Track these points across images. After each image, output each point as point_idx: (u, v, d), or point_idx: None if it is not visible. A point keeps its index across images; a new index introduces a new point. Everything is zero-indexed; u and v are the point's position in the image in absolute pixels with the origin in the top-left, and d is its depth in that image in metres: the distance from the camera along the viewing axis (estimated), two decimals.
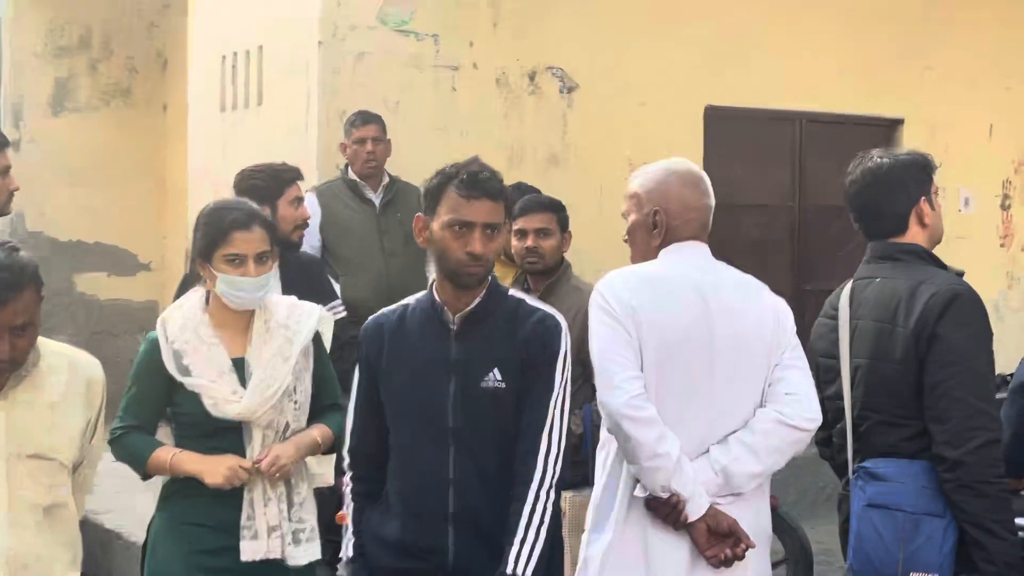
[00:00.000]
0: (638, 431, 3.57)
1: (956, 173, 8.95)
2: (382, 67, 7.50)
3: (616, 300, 3.68)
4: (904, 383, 3.82)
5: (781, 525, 6.67)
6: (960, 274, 3.99)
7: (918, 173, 4.06)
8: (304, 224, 5.54)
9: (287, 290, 5.51)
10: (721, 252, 8.17)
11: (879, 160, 4.15)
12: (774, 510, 6.62)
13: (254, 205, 4.30)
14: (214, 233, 4.09)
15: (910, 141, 8.82)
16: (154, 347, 4.16)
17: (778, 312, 3.75)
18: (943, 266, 4.00)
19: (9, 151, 5.10)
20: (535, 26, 7.90)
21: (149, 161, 12.37)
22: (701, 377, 3.65)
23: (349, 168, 7.11)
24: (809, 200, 8.75)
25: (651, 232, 3.83)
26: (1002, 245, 9.31)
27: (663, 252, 3.79)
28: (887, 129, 8.93)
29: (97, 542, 7.90)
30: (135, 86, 12.39)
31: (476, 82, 7.74)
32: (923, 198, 4.05)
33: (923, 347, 3.77)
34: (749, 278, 3.84)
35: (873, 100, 8.77)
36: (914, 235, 4.05)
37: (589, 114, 8.02)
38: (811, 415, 3.68)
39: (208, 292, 4.19)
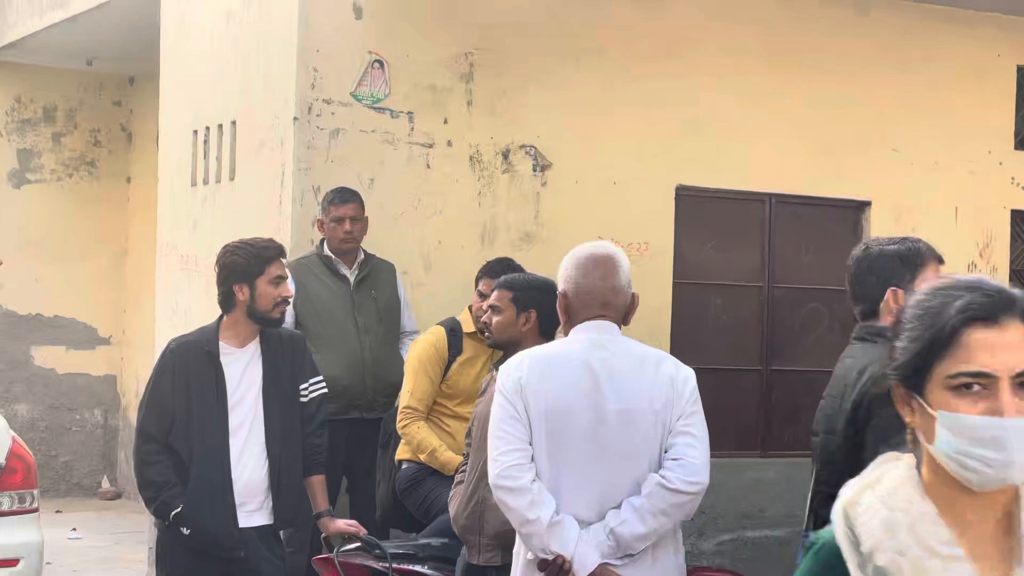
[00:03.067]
0: (510, 499, 4.00)
1: None
2: (357, 144, 7.50)
3: (506, 377, 4.09)
4: (844, 457, 3.85)
5: None
6: None
7: (891, 262, 4.11)
8: (285, 301, 5.49)
9: (269, 366, 5.48)
10: (689, 330, 8.28)
11: (866, 247, 4.25)
12: None
13: None
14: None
15: (877, 223, 8.89)
16: None
17: (674, 382, 4.05)
18: None
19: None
20: (509, 105, 7.93)
21: (111, 234, 12.32)
22: (592, 447, 3.99)
23: (324, 244, 7.08)
24: (778, 280, 8.79)
25: (560, 313, 4.21)
26: None
27: (571, 331, 4.15)
28: (855, 211, 9.00)
29: None
30: (99, 159, 12.37)
31: (450, 159, 7.76)
32: (897, 286, 4.08)
33: (861, 422, 3.83)
34: (650, 352, 4.14)
35: (841, 182, 8.85)
36: (887, 320, 4.07)
37: (562, 192, 8.04)
38: (692, 479, 4.00)
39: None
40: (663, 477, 3.99)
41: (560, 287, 4.22)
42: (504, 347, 5.47)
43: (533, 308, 5.36)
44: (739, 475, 8.55)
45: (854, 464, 3.74)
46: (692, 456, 4.02)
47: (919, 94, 9.07)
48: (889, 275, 4.13)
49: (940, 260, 4.23)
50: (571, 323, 4.18)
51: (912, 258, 4.21)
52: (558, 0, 8.09)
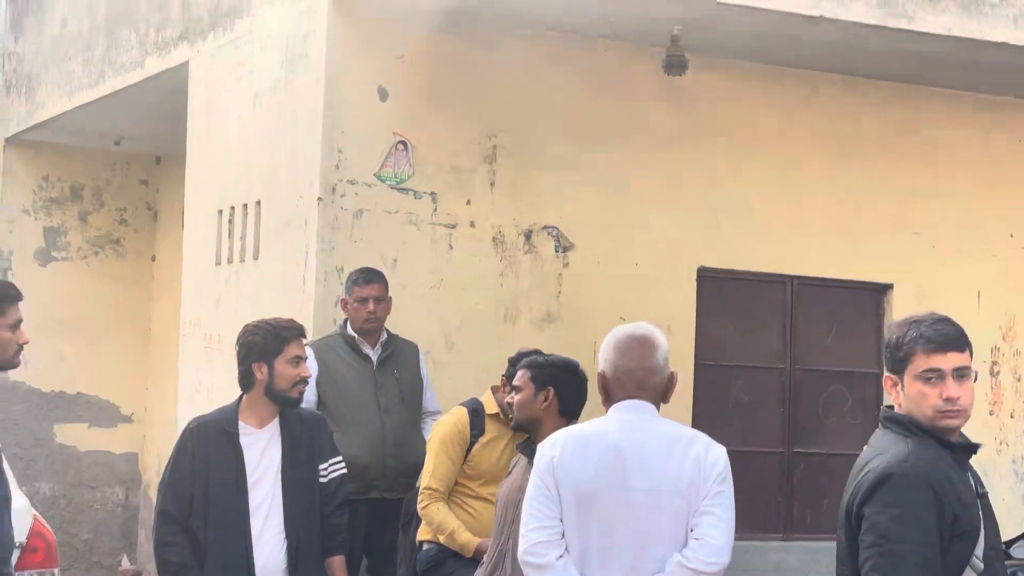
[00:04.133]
0: (534, 575, 4.11)
1: None
2: (380, 224, 7.55)
3: (540, 456, 4.20)
4: (846, 556, 3.80)
5: None
6: (971, 447, 3.89)
7: (887, 350, 4.03)
8: (304, 381, 5.50)
9: (288, 447, 5.48)
10: (711, 412, 8.26)
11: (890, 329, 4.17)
12: None
13: None
14: None
15: (900, 306, 8.88)
16: None
17: (702, 463, 4.09)
18: (947, 440, 3.85)
19: (21, 305, 5.02)
20: (531, 186, 7.99)
21: (135, 311, 12.37)
22: (618, 525, 4.06)
23: (348, 324, 7.11)
24: (799, 362, 8.77)
25: (600, 392, 4.29)
26: (991, 412, 9.32)
27: (609, 411, 4.24)
28: (877, 294, 9.00)
29: None
30: (125, 237, 12.45)
31: (473, 240, 7.81)
32: (889, 374, 4.00)
33: (854, 524, 3.75)
34: (683, 432, 4.19)
35: (863, 265, 8.85)
36: (899, 406, 3.98)
37: (584, 273, 8.07)
38: (712, 559, 4.02)
39: None
40: (683, 556, 4.03)
41: (599, 367, 4.29)
42: (526, 427, 5.48)
43: (551, 386, 5.38)
44: (762, 558, 8.49)
45: (853, 568, 3.71)
46: (713, 536, 4.05)
47: (940, 178, 9.10)
48: (887, 362, 4.05)
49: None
50: (609, 403, 4.27)
51: (894, 347, 4.09)
52: (580, 84, 8.17)
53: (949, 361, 3.72)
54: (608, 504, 4.08)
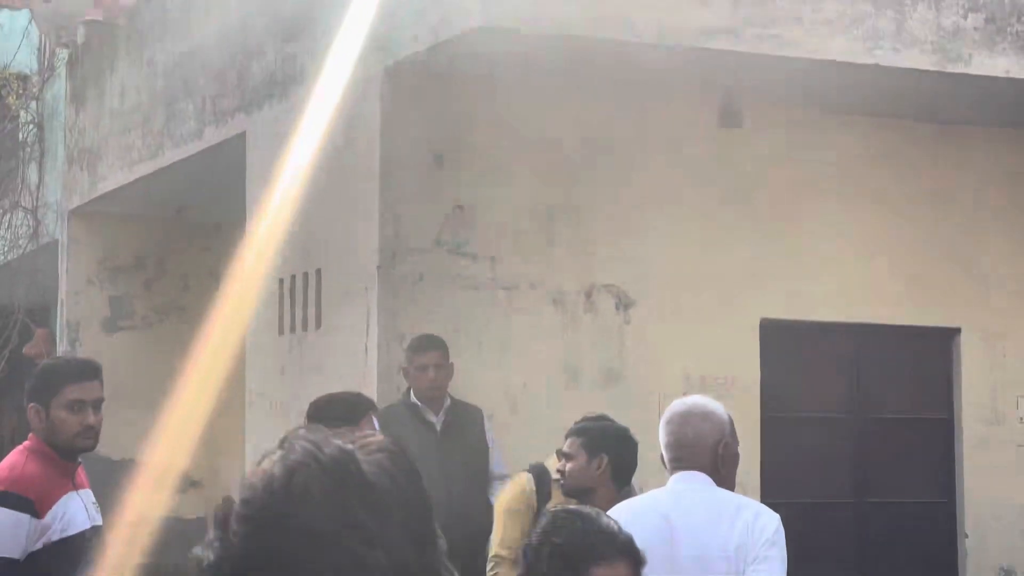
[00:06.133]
0: None
1: (1015, 383, 8.88)
2: (440, 289, 7.57)
3: None
4: None
5: None
6: None
7: None
8: None
9: None
10: (780, 464, 8.17)
11: None
12: None
13: None
14: None
15: (968, 351, 8.78)
16: None
17: (751, 527, 4.14)
18: None
19: (89, 384, 5.01)
20: (590, 244, 7.98)
21: (200, 377, 12.44)
22: None
23: (411, 391, 7.11)
24: (868, 411, 8.68)
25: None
26: None
27: (668, 482, 4.37)
28: (944, 339, 8.90)
29: None
30: (189, 304, 12.55)
31: (532, 301, 7.80)
32: None
33: None
34: (734, 500, 4.27)
35: (929, 311, 8.76)
36: None
37: (645, 330, 8.04)
38: None
39: None
40: None
41: (662, 443, 4.39)
42: (577, 494, 5.46)
43: (604, 453, 5.38)
44: None
45: None
46: None
47: (1003, 220, 8.99)
48: None
49: None
50: (669, 474, 4.37)
51: None
52: (636, 140, 8.16)
53: None
54: (657, 571, 4.09)
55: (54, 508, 4.87)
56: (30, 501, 4.80)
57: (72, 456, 4.96)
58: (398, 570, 1.53)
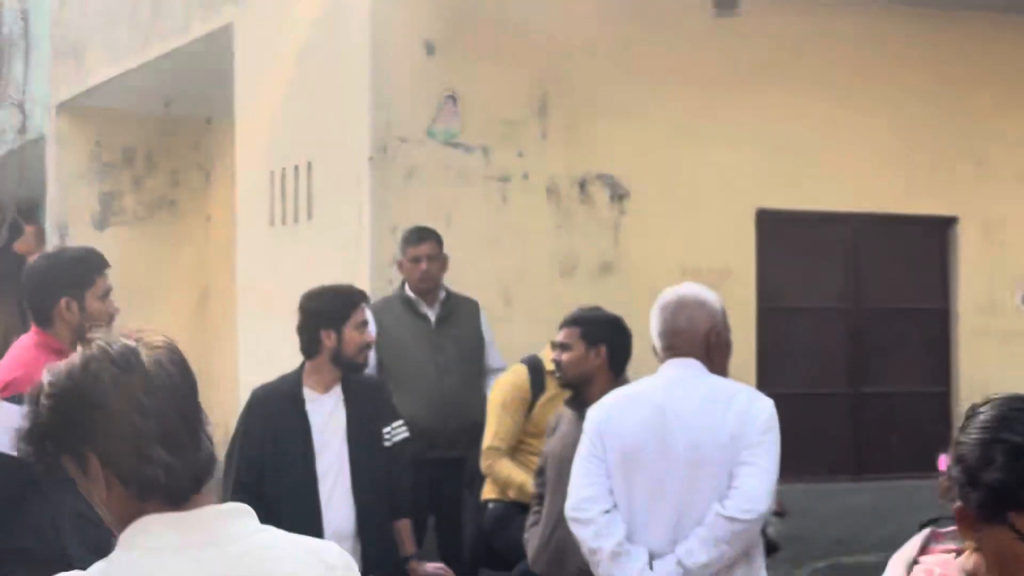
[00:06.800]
0: (577, 529, 4.30)
1: (1012, 269, 8.84)
2: (432, 181, 7.48)
3: (589, 419, 4.38)
4: None
5: None
6: None
7: None
8: (369, 346, 5.48)
9: (353, 411, 5.45)
10: (776, 355, 8.15)
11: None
12: None
13: None
14: None
15: (966, 239, 8.73)
16: None
17: (743, 415, 4.17)
18: None
19: (108, 272, 4.94)
20: (584, 135, 7.88)
21: (192, 271, 12.40)
22: (661, 481, 4.18)
23: (406, 284, 7.06)
24: (865, 301, 8.64)
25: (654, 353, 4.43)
26: None
27: (659, 370, 4.36)
28: (942, 228, 8.84)
29: None
30: (179, 199, 12.47)
31: (526, 192, 7.72)
32: None
33: None
34: (726, 387, 4.27)
35: (926, 199, 8.70)
36: None
37: (640, 220, 7.97)
38: (747, 506, 4.11)
39: None
40: (721, 506, 4.13)
41: (653, 332, 4.38)
42: (575, 385, 5.44)
43: (603, 343, 5.34)
44: (832, 500, 8.41)
45: None
46: (750, 484, 4.14)
47: (1004, 106, 8.89)
48: None
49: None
50: (660, 362, 4.36)
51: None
52: (631, 28, 8.03)
53: None
54: (652, 461, 4.19)
55: None
56: None
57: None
58: (168, 437, 2.04)
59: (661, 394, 4.27)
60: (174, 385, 2.07)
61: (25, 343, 4.87)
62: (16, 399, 4.62)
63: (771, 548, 4.98)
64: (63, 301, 4.80)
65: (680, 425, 4.19)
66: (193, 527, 2.09)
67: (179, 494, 2.08)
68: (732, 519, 4.10)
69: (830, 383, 8.59)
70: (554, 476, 5.24)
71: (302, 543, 2.43)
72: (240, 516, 2.20)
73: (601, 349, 5.35)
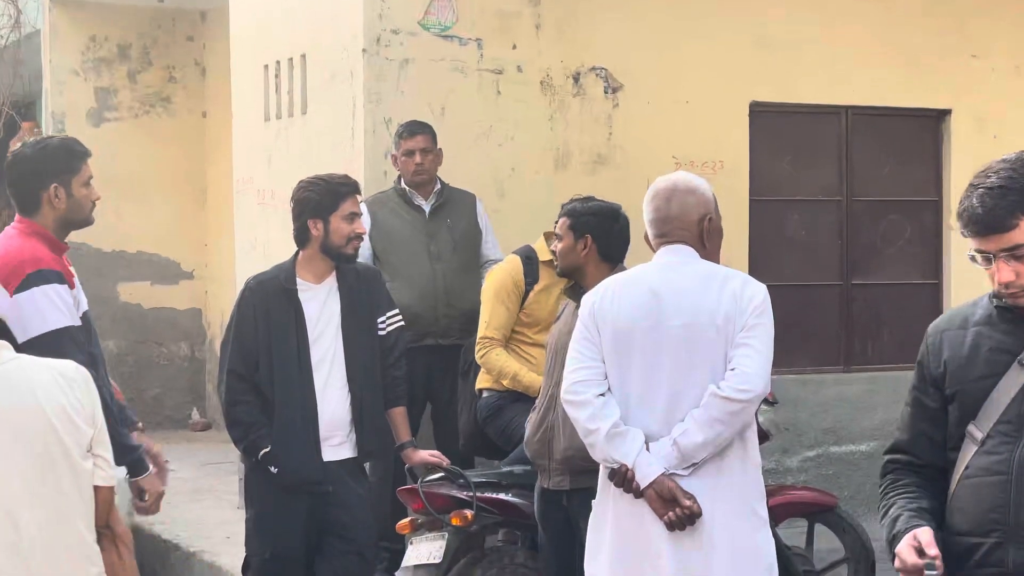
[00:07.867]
0: (573, 412, 4.33)
1: None
2: (426, 73, 7.48)
3: (583, 304, 4.43)
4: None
5: (841, 524, 6.63)
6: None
7: None
8: (359, 237, 5.53)
9: (346, 301, 5.53)
10: (767, 248, 8.21)
11: None
12: (832, 509, 6.61)
13: None
14: None
15: (958, 132, 8.74)
16: None
17: (738, 298, 4.22)
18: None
19: (90, 161, 5.06)
20: (578, 27, 7.86)
21: (190, 169, 12.41)
22: (655, 363, 4.23)
23: (401, 178, 7.10)
24: (857, 194, 8.67)
25: (648, 241, 4.48)
26: None
27: (653, 257, 4.42)
28: (934, 120, 8.84)
29: (155, 554, 7.92)
30: (175, 95, 12.44)
31: (520, 85, 7.72)
32: None
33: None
34: (720, 271, 4.32)
35: (919, 91, 8.69)
36: None
37: (634, 113, 7.98)
38: (743, 386, 4.15)
39: None
40: (717, 386, 4.18)
41: (646, 218, 4.44)
42: (570, 274, 5.54)
43: (588, 233, 5.43)
44: (822, 391, 8.52)
45: None
46: (746, 365, 4.18)
47: None
48: None
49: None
50: (654, 250, 4.43)
51: None
52: None
53: (991, 243, 3.23)
54: (645, 342, 4.25)
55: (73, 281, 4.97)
56: (60, 274, 4.87)
57: (67, 233, 5.06)
58: None
59: (655, 278, 4.33)
60: None
61: (10, 233, 4.98)
62: (34, 279, 4.76)
63: (762, 437, 5.03)
64: (52, 187, 4.91)
65: (674, 307, 4.24)
66: None
67: None
68: (728, 399, 4.15)
69: (821, 275, 8.65)
70: (549, 361, 5.35)
71: (46, 363, 3.57)
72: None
73: (588, 239, 5.45)
